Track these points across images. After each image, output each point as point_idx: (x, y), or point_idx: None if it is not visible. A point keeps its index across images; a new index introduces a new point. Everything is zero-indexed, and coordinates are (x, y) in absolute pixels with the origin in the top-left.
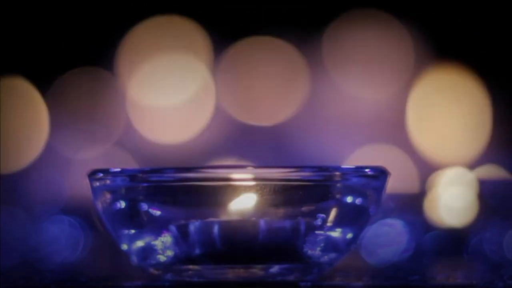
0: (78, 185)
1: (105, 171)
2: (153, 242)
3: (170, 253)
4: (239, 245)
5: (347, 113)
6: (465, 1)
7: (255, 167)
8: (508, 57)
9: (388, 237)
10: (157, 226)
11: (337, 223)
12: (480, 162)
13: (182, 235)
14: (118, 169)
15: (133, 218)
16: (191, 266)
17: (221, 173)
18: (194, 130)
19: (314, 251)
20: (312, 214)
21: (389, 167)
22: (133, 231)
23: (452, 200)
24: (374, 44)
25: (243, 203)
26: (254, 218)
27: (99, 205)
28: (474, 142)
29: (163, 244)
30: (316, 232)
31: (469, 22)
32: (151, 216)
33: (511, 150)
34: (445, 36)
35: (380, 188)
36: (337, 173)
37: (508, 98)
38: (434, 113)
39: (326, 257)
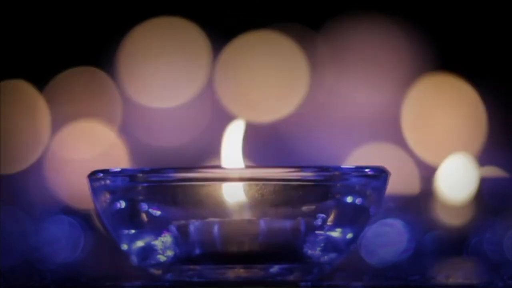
0: (78, 185)
1: (105, 171)
2: (153, 242)
3: (170, 253)
4: (239, 245)
5: (347, 113)
6: (464, 6)
7: (255, 167)
8: (503, 60)
9: (388, 237)
10: (157, 226)
11: (337, 223)
12: (477, 163)
13: (182, 235)
14: (118, 169)
15: (133, 218)
16: (191, 266)
17: (221, 173)
18: (194, 130)
19: (314, 251)
20: (312, 214)
21: (389, 167)
22: (133, 231)
23: (452, 199)
24: (374, 44)
25: (246, 203)
26: (254, 218)
27: (99, 205)
28: (471, 142)
29: (163, 244)
30: (316, 232)
31: (468, 26)
32: (151, 216)
33: (508, 151)
34: (443, 38)
35: (380, 188)
36: (337, 173)
37: (505, 100)
38: (432, 114)
39: (326, 257)
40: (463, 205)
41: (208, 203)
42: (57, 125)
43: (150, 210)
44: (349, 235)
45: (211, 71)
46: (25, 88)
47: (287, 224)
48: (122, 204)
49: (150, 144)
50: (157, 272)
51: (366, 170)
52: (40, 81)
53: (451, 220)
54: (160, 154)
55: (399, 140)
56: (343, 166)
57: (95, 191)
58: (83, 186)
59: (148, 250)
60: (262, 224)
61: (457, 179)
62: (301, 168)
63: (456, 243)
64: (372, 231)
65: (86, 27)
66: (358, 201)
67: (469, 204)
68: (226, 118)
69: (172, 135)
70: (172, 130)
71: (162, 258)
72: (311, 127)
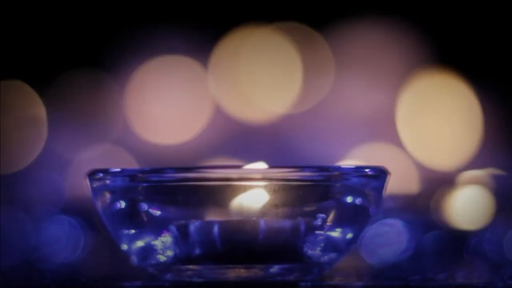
0: (78, 185)
1: (105, 171)
2: (153, 242)
3: (170, 253)
4: (239, 245)
5: (346, 112)
6: (461, 5)
7: (255, 167)
8: (500, 59)
9: (388, 237)
10: (157, 226)
11: (337, 223)
12: (477, 162)
13: (182, 235)
14: (118, 169)
15: (133, 218)
16: (191, 266)
17: (221, 173)
18: (193, 129)
19: (314, 251)
20: (312, 214)
21: (389, 167)
22: (133, 231)
23: (453, 200)
24: (371, 43)
25: (248, 201)
26: (254, 218)
27: (99, 205)
28: (468, 141)
29: (163, 244)
30: (316, 232)
31: (465, 25)
32: (151, 216)
33: (505, 150)
34: (441, 38)
35: (380, 188)
36: (337, 173)
37: (502, 100)
38: (431, 114)
39: (326, 257)
40: (464, 206)
41: (208, 203)
42: (57, 124)
43: (150, 210)
44: (349, 235)
45: (211, 70)
46: (25, 88)
47: (287, 224)
48: (122, 204)
49: (150, 144)
50: (157, 272)
51: (366, 170)
52: (40, 81)
53: (452, 221)
54: (160, 153)
55: (399, 140)
56: (343, 166)
57: (95, 191)
58: (83, 186)
59: (148, 250)
60: (262, 224)
61: (457, 189)
62: (301, 168)
63: (456, 243)
64: (372, 231)
65: (86, 27)
66: (358, 201)
67: (470, 205)
68: (226, 118)
69: (172, 134)
70: (172, 129)
71: (162, 258)
72: (310, 127)
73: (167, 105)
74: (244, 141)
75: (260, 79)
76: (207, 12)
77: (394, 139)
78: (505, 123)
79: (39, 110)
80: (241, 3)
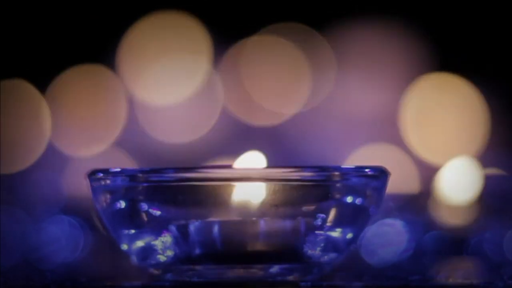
0: (78, 185)
1: (105, 171)
2: (153, 242)
3: (170, 253)
4: (239, 245)
5: (348, 114)
6: (464, 6)
7: (255, 167)
8: (504, 59)
9: (388, 237)
10: (157, 226)
11: (337, 223)
12: (478, 163)
13: (182, 235)
14: (118, 169)
15: (133, 218)
16: (191, 266)
17: (221, 173)
18: (196, 130)
19: (314, 251)
20: (312, 214)
21: (389, 167)
22: (133, 231)
23: (453, 199)
24: (375, 44)
25: (248, 201)
26: (254, 218)
27: (99, 205)
28: (472, 143)
29: (163, 244)
30: (316, 232)
31: (468, 26)
32: (151, 216)
33: (508, 151)
34: (444, 38)
35: (380, 188)
36: (337, 173)
37: (507, 101)
38: (433, 114)
39: (326, 257)
40: (463, 205)
41: (208, 203)
42: (57, 124)
43: (150, 210)
44: (349, 235)
45: (213, 70)
46: (26, 87)
47: (287, 224)
48: (122, 204)
49: (152, 143)
50: (157, 272)
51: (366, 170)
52: (41, 80)
53: (451, 220)
54: (162, 153)
55: (399, 140)
56: (343, 166)
57: (95, 191)
58: (83, 186)
59: (148, 250)
60: (262, 224)
61: (459, 181)
62: (301, 168)
63: (456, 243)
64: (372, 231)
65: (88, 24)
66: (358, 201)
67: (470, 204)
68: (227, 118)
69: (174, 135)
70: (174, 129)
71: (162, 258)
72: (312, 127)
73: (170, 105)
74: (246, 141)
75: (264, 80)
76: (216, 13)
77: (396, 139)
78: (509, 124)
79: (41, 108)
80: (247, 3)
